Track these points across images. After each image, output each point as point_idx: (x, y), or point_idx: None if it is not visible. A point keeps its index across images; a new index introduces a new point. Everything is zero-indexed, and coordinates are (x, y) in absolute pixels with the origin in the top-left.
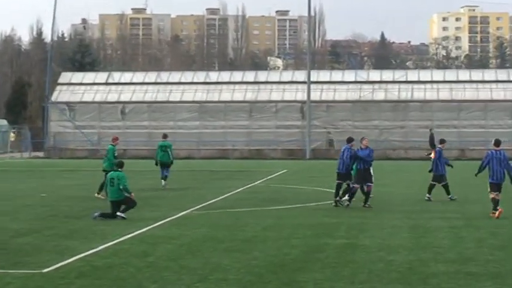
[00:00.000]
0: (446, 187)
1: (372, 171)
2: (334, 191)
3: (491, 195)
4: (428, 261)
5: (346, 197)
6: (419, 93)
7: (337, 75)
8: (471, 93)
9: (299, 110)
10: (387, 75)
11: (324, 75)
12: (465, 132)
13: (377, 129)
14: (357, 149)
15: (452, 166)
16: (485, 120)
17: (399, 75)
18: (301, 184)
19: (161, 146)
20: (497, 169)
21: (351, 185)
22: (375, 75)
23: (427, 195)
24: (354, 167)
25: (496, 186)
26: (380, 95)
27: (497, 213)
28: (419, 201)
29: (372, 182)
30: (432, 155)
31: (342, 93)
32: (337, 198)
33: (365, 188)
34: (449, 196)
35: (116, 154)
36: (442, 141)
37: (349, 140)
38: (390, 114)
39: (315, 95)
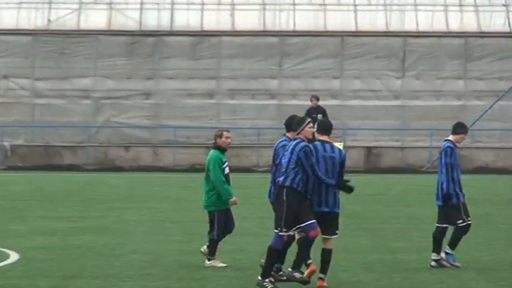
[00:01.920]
0: (456, 235)
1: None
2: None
3: (298, 234)
4: None
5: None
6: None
7: None
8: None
9: None
10: None
11: None
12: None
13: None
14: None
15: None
16: (341, 79)
17: None
18: None
19: None
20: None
21: (306, 234)
22: None
23: (435, 255)
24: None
25: (317, 217)
26: (99, 18)
27: (307, 271)
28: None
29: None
30: None
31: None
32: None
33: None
34: (449, 252)
35: None
36: (457, 128)
37: (291, 125)
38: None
39: None
